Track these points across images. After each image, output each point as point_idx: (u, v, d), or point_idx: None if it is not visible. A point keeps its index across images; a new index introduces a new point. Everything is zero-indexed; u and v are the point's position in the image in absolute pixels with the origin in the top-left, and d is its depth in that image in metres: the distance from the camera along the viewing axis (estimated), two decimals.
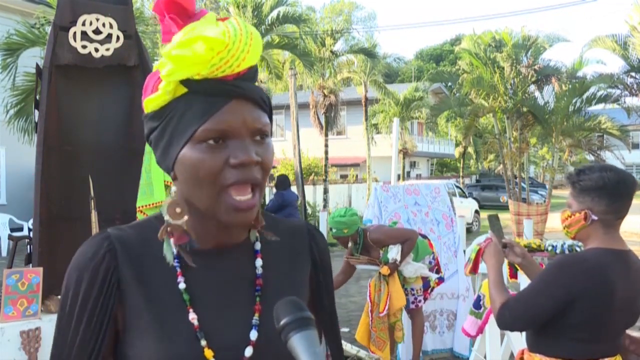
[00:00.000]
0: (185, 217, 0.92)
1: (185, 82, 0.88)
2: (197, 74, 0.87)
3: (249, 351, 0.91)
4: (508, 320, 2.02)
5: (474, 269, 2.24)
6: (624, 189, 1.98)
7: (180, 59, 0.86)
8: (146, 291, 0.91)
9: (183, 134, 0.89)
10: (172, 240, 0.93)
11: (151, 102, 0.92)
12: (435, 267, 4.77)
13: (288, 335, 0.79)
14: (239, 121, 0.89)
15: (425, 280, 4.68)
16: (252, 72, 0.92)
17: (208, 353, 0.89)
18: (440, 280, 4.82)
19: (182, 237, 0.93)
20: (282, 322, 0.81)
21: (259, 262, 0.99)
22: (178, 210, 0.92)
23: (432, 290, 4.81)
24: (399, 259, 4.41)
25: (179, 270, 0.93)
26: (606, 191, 1.97)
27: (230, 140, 0.89)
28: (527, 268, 2.26)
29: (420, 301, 4.71)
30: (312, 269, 1.07)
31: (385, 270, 4.43)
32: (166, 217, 0.93)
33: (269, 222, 1.03)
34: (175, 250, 0.93)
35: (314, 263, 1.07)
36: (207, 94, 0.88)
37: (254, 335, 0.92)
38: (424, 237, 4.86)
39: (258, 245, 1.00)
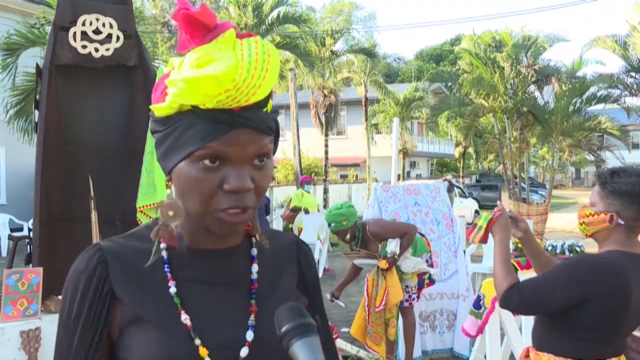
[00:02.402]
0: (180, 221, 0.93)
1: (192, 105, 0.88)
2: (202, 105, 0.86)
3: (244, 351, 0.92)
4: (514, 302, 1.97)
5: (484, 239, 2.13)
6: None
7: (186, 91, 0.85)
8: (140, 298, 0.93)
9: (182, 150, 0.89)
10: (162, 242, 0.95)
11: (157, 110, 0.92)
12: (430, 267, 4.75)
13: (290, 342, 0.79)
14: (238, 149, 0.88)
15: (420, 279, 4.67)
16: (265, 100, 0.90)
17: (203, 351, 0.90)
18: (431, 281, 4.81)
19: (172, 240, 0.94)
20: (283, 329, 0.80)
21: (254, 267, 1.00)
22: (171, 213, 0.92)
23: (422, 288, 4.78)
24: (397, 251, 4.40)
25: (169, 275, 0.94)
26: (638, 199, 1.93)
27: (227, 164, 0.88)
28: (527, 245, 2.20)
29: (414, 299, 4.69)
30: (300, 282, 1.09)
31: (383, 264, 4.41)
32: (160, 220, 0.94)
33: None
34: (165, 255, 0.96)
35: (302, 274, 1.09)
36: (211, 119, 0.87)
37: (249, 335, 0.93)
38: (422, 235, 4.86)
39: (254, 252, 1.02)
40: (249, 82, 0.84)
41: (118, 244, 0.97)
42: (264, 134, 0.91)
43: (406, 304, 4.70)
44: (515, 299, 1.97)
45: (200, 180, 0.88)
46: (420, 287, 4.70)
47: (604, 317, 1.92)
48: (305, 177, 10.27)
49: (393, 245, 4.42)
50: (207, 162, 0.87)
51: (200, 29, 0.87)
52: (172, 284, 0.93)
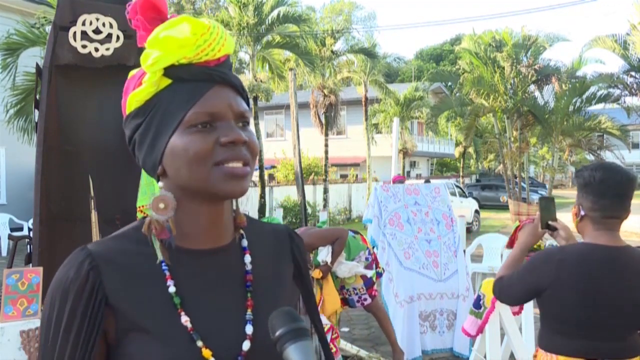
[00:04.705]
0: (170, 214, 0.92)
1: (168, 72, 0.91)
2: (183, 58, 0.90)
3: (246, 345, 0.92)
4: (496, 291, 2.24)
5: (510, 244, 2.37)
6: (606, 189, 2.00)
7: (168, 40, 0.89)
8: (136, 301, 0.91)
9: (171, 122, 0.91)
10: (159, 234, 0.94)
11: (135, 97, 0.94)
12: (374, 263, 4.63)
13: (284, 346, 0.80)
14: (224, 104, 0.92)
15: (367, 278, 4.54)
16: (229, 62, 0.97)
17: (206, 353, 0.89)
18: (378, 275, 4.69)
19: (163, 233, 0.93)
20: (277, 333, 0.82)
21: (247, 258, 1.00)
22: (162, 205, 0.92)
23: (372, 285, 4.62)
24: (329, 260, 4.24)
25: (167, 274, 0.93)
26: (590, 189, 2.04)
27: (217, 123, 0.92)
28: None
29: (365, 299, 4.56)
30: (295, 272, 1.09)
31: (317, 273, 4.23)
32: (151, 212, 0.93)
33: (252, 224, 1.06)
34: (173, 244, 0.94)
35: (297, 266, 1.09)
36: (192, 80, 0.92)
37: (249, 329, 0.94)
38: (356, 232, 4.73)
39: (245, 243, 1.02)
40: (217, 31, 0.92)
41: (107, 246, 0.95)
42: (240, 95, 0.96)
43: (358, 305, 4.59)
44: (497, 288, 2.23)
45: (196, 141, 0.90)
46: (369, 285, 4.55)
47: (561, 305, 2.01)
48: (397, 176, 9.72)
49: (324, 254, 4.26)
50: (198, 126, 0.91)
51: (155, 18, 0.94)
52: (171, 282, 0.92)
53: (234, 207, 1.02)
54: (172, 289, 0.92)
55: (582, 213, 2.07)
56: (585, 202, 2.05)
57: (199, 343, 0.89)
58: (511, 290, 2.17)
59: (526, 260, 2.18)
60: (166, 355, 0.88)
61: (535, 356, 2.20)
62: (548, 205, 2.27)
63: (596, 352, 1.98)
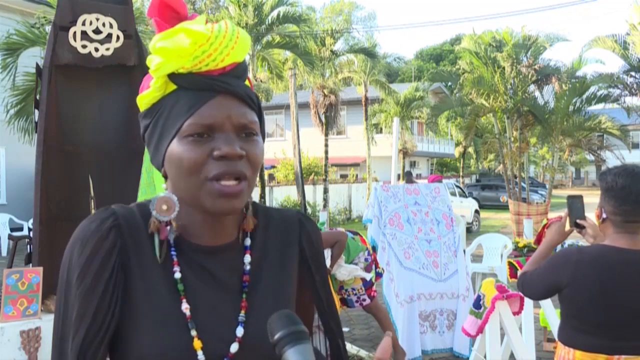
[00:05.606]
0: (173, 215, 0.93)
1: (173, 78, 0.91)
2: (181, 67, 0.89)
3: (234, 347, 0.92)
4: (519, 285, 2.33)
5: (538, 242, 2.41)
6: (628, 196, 2.02)
7: (163, 50, 0.89)
8: (143, 276, 0.92)
9: (171, 129, 0.91)
10: (160, 234, 0.94)
11: (143, 99, 0.95)
12: (373, 263, 4.56)
13: (282, 350, 0.80)
14: (223, 116, 0.90)
15: (366, 280, 4.47)
16: (240, 69, 0.94)
17: (197, 344, 0.90)
18: (378, 275, 4.68)
19: (162, 233, 0.94)
20: (276, 337, 0.81)
21: (247, 258, 0.99)
22: (164, 207, 0.93)
23: (372, 286, 4.55)
24: (328, 264, 4.16)
25: (175, 259, 0.94)
26: (612, 194, 2.06)
27: (215, 134, 0.90)
28: None
29: (364, 300, 4.50)
30: (301, 260, 1.07)
31: None
32: (154, 213, 0.93)
33: (262, 215, 1.05)
34: (172, 240, 0.95)
35: (303, 253, 1.07)
36: (194, 89, 0.91)
37: (240, 331, 0.93)
38: (355, 233, 4.67)
39: (248, 242, 1.01)
40: (221, 40, 0.89)
41: (131, 211, 0.96)
42: (246, 104, 0.94)
43: (357, 305, 4.55)
44: (520, 282, 2.31)
45: (190, 151, 0.89)
46: (367, 286, 4.49)
47: (579, 304, 2.06)
48: (435, 176, 9.46)
49: None
50: (195, 136, 0.90)
51: (174, 18, 0.92)
52: (177, 268, 0.93)
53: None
54: (177, 275, 0.93)
55: (604, 216, 2.10)
56: (607, 206, 2.08)
57: (193, 332, 0.90)
58: (532, 287, 2.24)
59: (546, 260, 2.24)
60: (158, 338, 0.89)
61: (555, 347, 2.27)
62: (576, 204, 2.29)
63: (612, 349, 2.02)
